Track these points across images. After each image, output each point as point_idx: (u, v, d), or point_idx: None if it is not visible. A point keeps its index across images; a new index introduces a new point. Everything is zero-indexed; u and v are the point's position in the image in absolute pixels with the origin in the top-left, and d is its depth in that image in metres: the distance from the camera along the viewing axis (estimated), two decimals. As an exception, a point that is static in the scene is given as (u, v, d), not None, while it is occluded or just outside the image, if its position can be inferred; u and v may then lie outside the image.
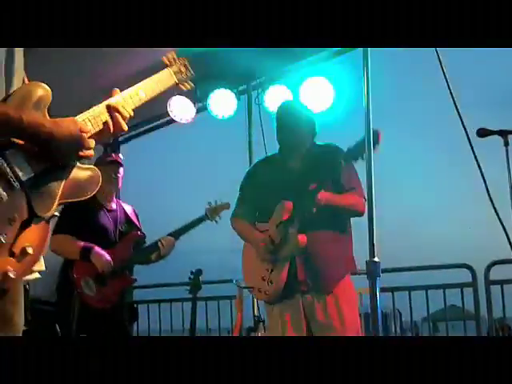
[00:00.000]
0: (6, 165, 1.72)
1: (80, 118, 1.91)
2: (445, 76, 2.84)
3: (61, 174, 1.89)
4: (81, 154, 1.90)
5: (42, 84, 1.87)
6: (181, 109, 5.44)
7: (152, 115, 6.30)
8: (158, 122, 6.50)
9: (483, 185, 3.09)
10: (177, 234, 4.40)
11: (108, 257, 4.12)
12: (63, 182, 1.90)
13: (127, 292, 4.57)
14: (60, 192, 1.89)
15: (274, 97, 5.17)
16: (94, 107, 1.97)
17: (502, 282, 4.90)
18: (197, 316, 4.91)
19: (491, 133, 3.79)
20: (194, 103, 5.48)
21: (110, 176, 4.34)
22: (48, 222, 1.88)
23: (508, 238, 2.85)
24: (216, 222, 4.46)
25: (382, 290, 3.51)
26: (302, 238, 3.39)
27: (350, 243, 3.57)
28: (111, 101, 2.01)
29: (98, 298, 4.12)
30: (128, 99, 2.06)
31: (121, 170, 4.41)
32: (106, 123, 1.98)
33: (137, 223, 4.52)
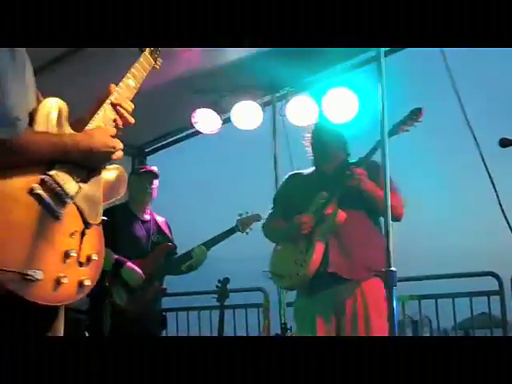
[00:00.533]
0: (54, 183, 1.80)
1: (94, 123, 2.00)
2: (453, 85, 2.84)
3: (97, 179, 1.99)
4: (114, 157, 2.00)
5: (57, 99, 1.95)
6: (205, 120, 5.46)
7: (177, 127, 6.39)
8: (183, 134, 6.55)
9: (496, 193, 3.10)
10: (208, 245, 4.38)
11: (139, 271, 4.16)
12: (101, 187, 2.01)
13: (157, 300, 4.61)
14: (101, 196, 2.00)
15: (296, 108, 5.17)
16: (99, 109, 2.04)
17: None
18: (225, 324, 4.94)
19: None
20: (220, 114, 5.49)
21: (144, 186, 4.38)
22: (98, 224, 2.00)
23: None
24: (247, 233, 4.45)
25: (411, 297, 3.43)
26: (341, 215, 3.45)
27: (381, 242, 3.29)
28: (112, 98, 2.08)
29: (129, 307, 4.16)
30: (126, 92, 2.15)
31: (155, 181, 4.45)
32: (115, 121, 2.06)
33: (169, 234, 4.56)
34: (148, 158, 7.14)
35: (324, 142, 3.75)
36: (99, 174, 2.00)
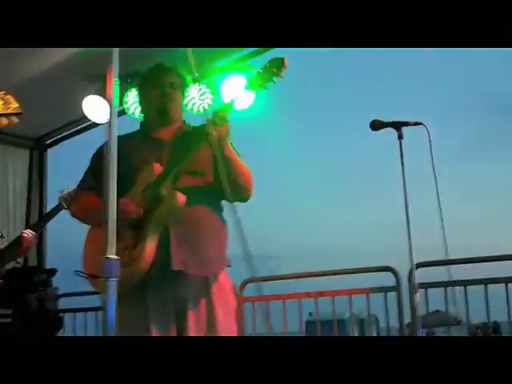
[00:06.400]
0: None
1: None
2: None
3: None
4: None
5: None
6: (95, 109, 4.86)
7: (76, 117, 5.66)
8: (85, 125, 5.86)
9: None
10: (36, 227, 4.10)
11: None
12: None
13: (51, 301, 4.40)
14: None
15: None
16: None
17: (426, 285, 4.40)
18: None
19: (385, 125, 3.43)
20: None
21: None
22: None
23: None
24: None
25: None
26: (181, 197, 2.47)
27: (225, 231, 2.66)
28: None
29: None
30: None
31: None
32: None
33: None
34: (49, 150, 6.51)
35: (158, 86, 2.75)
36: None
